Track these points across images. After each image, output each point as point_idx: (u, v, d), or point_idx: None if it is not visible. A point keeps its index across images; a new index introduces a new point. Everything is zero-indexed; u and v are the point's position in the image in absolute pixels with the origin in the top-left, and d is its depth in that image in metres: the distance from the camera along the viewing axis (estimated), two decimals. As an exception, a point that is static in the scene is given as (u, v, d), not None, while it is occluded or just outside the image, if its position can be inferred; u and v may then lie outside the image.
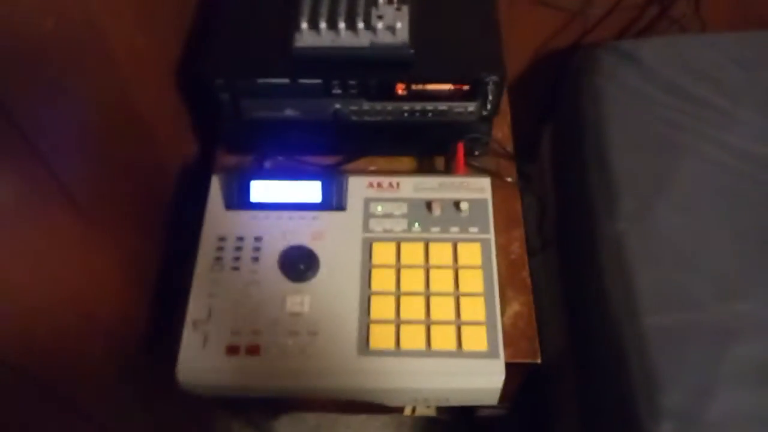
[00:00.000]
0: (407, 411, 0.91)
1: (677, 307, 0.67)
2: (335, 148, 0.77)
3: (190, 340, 0.62)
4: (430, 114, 0.71)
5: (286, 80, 0.68)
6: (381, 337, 0.61)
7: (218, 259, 0.66)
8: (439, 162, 0.78)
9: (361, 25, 0.66)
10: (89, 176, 0.60)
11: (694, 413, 0.61)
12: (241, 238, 0.66)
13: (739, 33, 0.84)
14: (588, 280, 0.75)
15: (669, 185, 0.73)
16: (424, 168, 0.77)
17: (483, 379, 0.61)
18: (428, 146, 0.77)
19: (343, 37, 0.67)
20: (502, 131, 0.80)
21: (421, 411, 0.93)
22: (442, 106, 0.70)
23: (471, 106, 0.70)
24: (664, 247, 0.70)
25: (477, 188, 0.69)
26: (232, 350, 0.61)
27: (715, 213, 0.72)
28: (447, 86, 0.68)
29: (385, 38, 0.67)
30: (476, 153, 0.76)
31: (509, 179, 0.77)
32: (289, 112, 0.71)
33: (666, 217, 0.72)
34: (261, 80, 0.68)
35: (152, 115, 0.72)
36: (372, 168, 0.77)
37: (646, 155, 0.77)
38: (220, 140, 0.78)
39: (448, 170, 0.76)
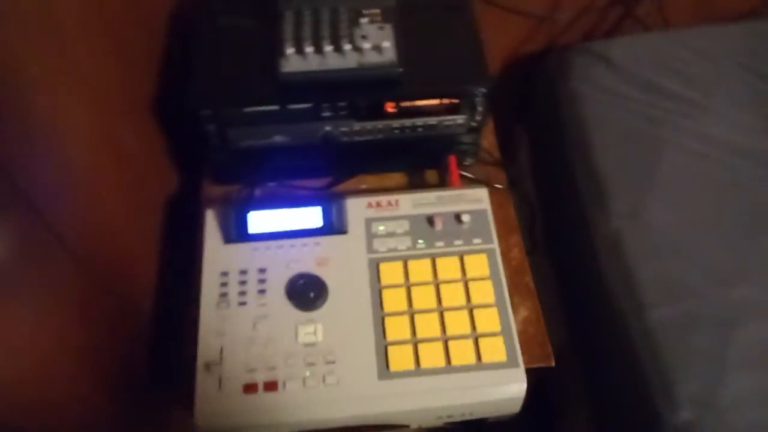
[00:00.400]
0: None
1: (680, 298, 0.68)
2: (326, 170, 0.77)
3: (204, 383, 0.60)
4: (420, 129, 0.71)
5: (274, 107, 0.67)
6: (400, 358, 0.61)
7: (223, 295, 0.64)
8: (430, 174, 0.78)
9: (347, 46, 0.66)
10: (83, 222, 0.58)
11: (709, 399, 0.63)
12: (244, 272, 0.65)
13: (703, 27, 0.88)
14: (587, 280, 0.76)
15: (656, 180, 0.75)
16: (415, 182, 0.77)
17: (506, 389, 0.61)
18: (419, 160, 0.77)
19: (330, 59, 0.66)
20: (487, 139, 0.81)
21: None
22: (432, 120, 0.71)
23: (460, 119, 0.71)
24: (659, 240, 0.72)
25: (475, 199, 0.69)
26: (250, 388, 0.59)
27: (703, 203, 0.74)
28: (436, 101, 0.69)
29: (372, 58, 0.66)
30: (466, 163, 0.77)
31: (500, 186, 0.78)
32: (278, 139, 0.70)
33: (657, 212, 0.73)
34: (249, 109, 0.67)
35: (137, 151, 0.70)
36: (363, 186, 0.76)
37: (629, 153, 0.79)
38: (207, 171, 0.77)
39: (442, 183, 0.76)
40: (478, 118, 0.71)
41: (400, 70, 0.66)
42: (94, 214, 0.60)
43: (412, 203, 0.69)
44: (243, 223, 0.67)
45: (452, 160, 0.74)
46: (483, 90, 0.68)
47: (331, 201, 0.68)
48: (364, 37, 0.67)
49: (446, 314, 0.63)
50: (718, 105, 0.81)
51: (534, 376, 0.63)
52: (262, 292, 0.64)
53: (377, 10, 0.69)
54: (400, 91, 0.67)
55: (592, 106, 0.84)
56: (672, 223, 0.72)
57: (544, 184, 0.94)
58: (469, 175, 0.77)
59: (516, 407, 0.63)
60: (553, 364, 0.67)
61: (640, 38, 0.89)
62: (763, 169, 0.75)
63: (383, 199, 0.69)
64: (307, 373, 0.60)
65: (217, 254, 0.66)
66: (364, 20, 0.68)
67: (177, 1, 0.80)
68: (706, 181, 0.75)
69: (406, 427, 0.65)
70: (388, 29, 0.68)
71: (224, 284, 0.64)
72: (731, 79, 0.83)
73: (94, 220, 0.59)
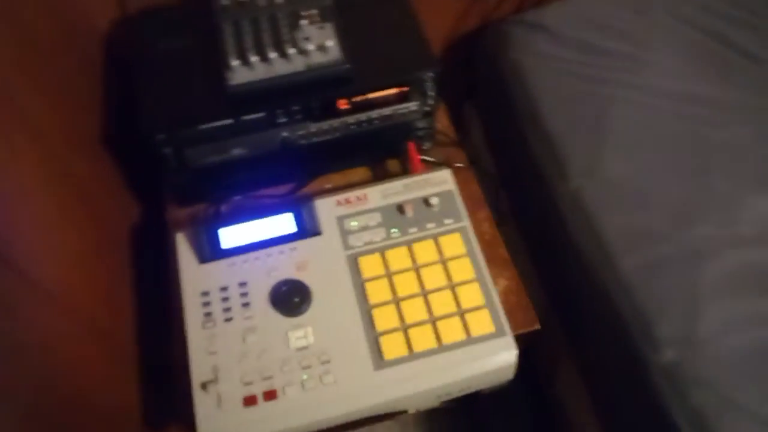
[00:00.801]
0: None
1: (645, 243, 0.71)
2: (289, 175, 0.77)
3: (203, 404, 0.60)
4: (375, 122, 0.72)
5: (228, 121, 0.66)
6: (393, 346, 0.62)
7: (207, 315, 0.64)
8: (392, 164, 0.79)
9: (291, 50, 0.66)
10: (59, 262, 0.57)
11: (688, 335, 0.66)
12: (225, 288, 0.65)
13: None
14: (557, 241, 0.79)
15: (607, 136, 0.78)
16: (378, 173, 0.78)
17: (498, 359, 0.63)
18: (380, 152, 0.78)
19: (276, 65, 0.66)
20: (441, 122, 0.82)
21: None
22: (386, 111, 0.71)
23: (413, 106, 0.72)
24: (618, 192, 0.75)
25: (440, 181, 0.71)
26: (250, 401, 0.60)
27: (654, 151, 0.77)
28: (388, 92, 0.70)
29: (318, 58, 0.67)
30: (425, 148, 0.78)
31: (461, 165, 0.80)
32: (236, 151, 0.70)
33: (613, 165, 0.76)
34: (203, 126, 0.66)
35: (96, 186, 0.70)
36: (329, 185, 0.77)
37: (578, 114, 0.81)
38: (168, 194, 0.76)
39: (405, 170, 0.77)
40: (429, 102, 0.73)
41: (348, 66, 0.67)
42: (63, 253, 0.59)
43: (381, 195, 0.70)
44: (215, 241, 0.67)
45: (411, 147, 0.75)
46: (431, 74, 0.69)
47: (300, 205, 0.68)
48: (306, 38, 0.67)
49: (430, 296, 0.64)
50: (656, 55, 0.84)
51: (522, 342, 0.65)
52: (246, 305, 0.64)
53: (315, 11, 0.70)
54: (350, 87, 0.68)
55: (535, 74, 0.86)
56: (628, 175, 0.75)
57: (502, 157, 0.96)
58: (430, 159, 0.78)
59: (509, 375, 0.65)
60: (539, 327, 0.70)
61: (570, 1, 0.91)
62: (706, 110, 0.79)
63: (351, 194, 0.70)
64: (305, 377, 0.61)
65: (194, 275, 0.66)
66: (303, 22, 0.69)
67: (112, 29, 0.79)
68: (654, 129, 0.78)
69: (405, 412, 0.67)
70: (329, 28, 0.69)
71: (207, 304, 0.64)
72: (664, 29, 0.86)
73: (64, 260, 0.59)
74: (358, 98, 0.69)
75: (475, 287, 0.65)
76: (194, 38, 0.71)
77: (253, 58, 0.66)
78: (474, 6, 0.98)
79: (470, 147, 1.04)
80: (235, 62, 0.66)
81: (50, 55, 0.64)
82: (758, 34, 0.86)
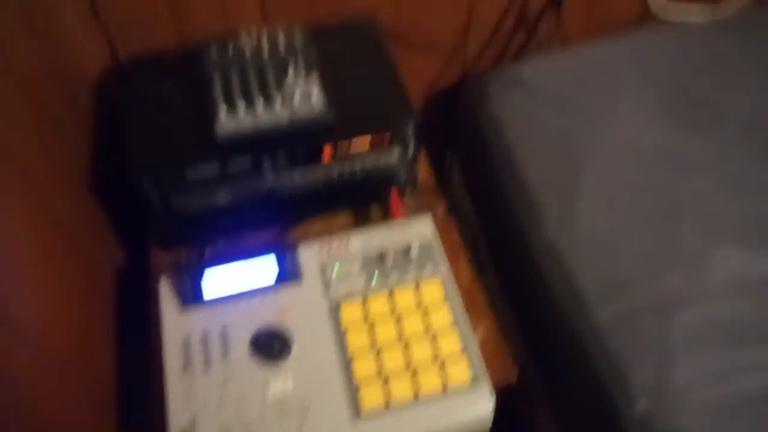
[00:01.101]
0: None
1: (619, 294, 0.73)
2: (273, 221, 0.78)
3: (180, 453, 0.59)
4: (358, 169, 0.74)
5: (215, 168, 0.68)
6: (371, 396, 0.62)
7: (187, 362, 0.63)
8: (375, 209, 0.81)
9: (278, 100, 0.68)
10: (39, 303, 0.57)
11: (662, 386, 0.67)
12: (205, 334, 0.65)
13: (598, 40, 0.95)
14: (534, 291, 0.80)
15: (580, 188, 0.81)
16: (361, 218, 0.80)
17: (475, 410, 0.63)
18: (362, 199, 0.79)
19: (263, 115, 0.68)
20: (423, 169, 0.85)
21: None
22: (369, 159, 0.73)
23: (395, 153, 0.74)
24: (591, 243, 0.77)
25: (421, 228, 0.72)
26: (227, 450, 0.59)
27: (624, 203, 0.80)
28: (369, 140, 0.72)
29: (303, 108, 0.69)
30: (407, 195, 0.80)
31: (442, 212, 0.81)
32: (222, 198, 0.71)
33: (586, 217, 0.79)
34: (190, 173, 0.67)
35: (80, 229, 0.70)
36: (312, 230, 0.78)
37: (553, 166, 0.84)
38: (153, 238, 0.76)
39: (387, 216, 0.79)
40: (410, 150, 0.75)
41: (331, 116, 0.69)
42: (44, 294, 0.59)
43: (362, 242, 0.71)
44: (198, 286, 0.67)
45: (393, 194, 0.77)
46: (411, 123, 0.72)
47: (283, 251, 0.69)
48: (291, 89, 0.69)
49: (409, 345, 0.65)
50: (623, 110, 0.88)
51: (499, 393, 0.66)
52: (226, 351, 0.64)
53: (301, 61, 0.72)
54: (333, 135, 0.70)
55: (512, 127, 0.89)
56: (601, 226, 0.78)
57: (480, 206, 0.99)
58: (411, 206, 0.80)
59: (486, 425, 0.66)
60: (516, 379, 0.70)
61: (546, 57, 0.95)
62: (670, 162, 0.82)
63: (334, 241, 0.71)
64: (283, 426, 0.60)
65: (175, 320, 0.66)
66: (289, 73, 0.71)
67: (103, 77, 0.80)
68: (625, 182, 0.81)
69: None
70: (314, 79, 0.71)
71: (187, 349, 0.64)
72: (631, 85, 0.90)
73: (44, 302, 0.58)
74: (341, 147, 0.71)
75: (454, 336, 0.66)
76: (184, 86, 0.72)
77: (241, 108, 0.68)
78: (455, 58, 1.01)
79: (452, 195, 1.07)
80: (223, 111, 0.67)
81: (42, 100, 0.65)
82: (721, 89, 0.90)
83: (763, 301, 0.72)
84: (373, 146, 0.72)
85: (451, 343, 0.65)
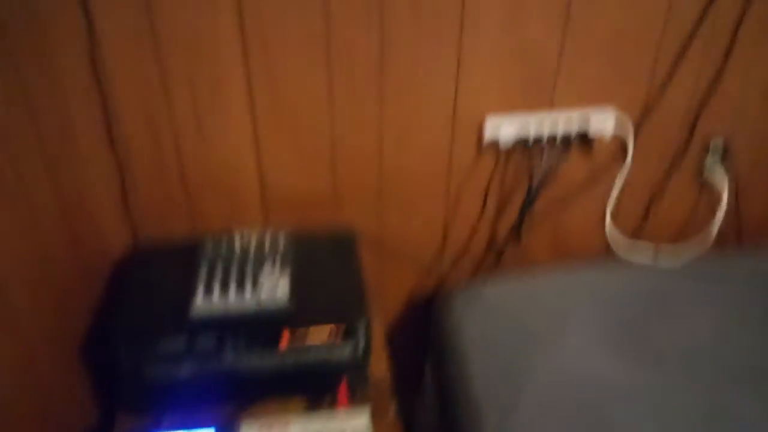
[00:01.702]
0: None
1: None
2: (232, 399, 0.85)
3: None
4: (313, 360, 0.82)
5: (183, 345, 0.78)
6: None
7: None
8: (329, 398, 0.86)
9: (249, 288, 0.80)
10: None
11: None
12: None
13: (559, 269, 1.06)
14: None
15: (520, 407, 0.86)
16: (315, 405, 0.86)
17: None
18: (315, 388, 0.86)
19: (233, 300, 0.80)
20: (380, 370, 0.92)
21: None
22: (323, 350, 0.82)
23: (347, 348, 0.83)
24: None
25: (358, 421, 0.78)
26: None
27: (559, 419, 0.84)
28: (326, 331, 0.81)
29: (269, 297, 0.80)
30: (357, 391, 0.87)
31: (389, 414, 0.87)
32: (185, 371, 0.80)
33: (521, 429, 0.83)
34: (161, 346, 0.77)
35: (58, 386, 0.78)
36: (267, 409, 0.84)
37: (500, 382, 0.90)
38: (120, 403, 0.84)
39: (333, 405, 0.85)
40: (361, 347, 0.83)
41: (293, 306, 0.80)
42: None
43: (302, 427, 0.77)
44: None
45: (342, 386, 0.84)
46: (362, 321, 0.81)
47: (224, 427, 0.76)
48: (264, 279, 0.82)
49: None
50: (570, 336, 0.95)
51: None
52: None
53: (279, 260, 0.85)
54: (292, 322, 0.80)
55: (468, 341, 0.97)
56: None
57: (442, 413, 1.03)
58: (360, 399, 0.86)
59: None
60: None
61: (509, 279, 1.06)
62: (606, 388, 0.87)
63: (275, 422, 0.77)
64: None
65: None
66: (266, 266, 0.84)
67: (121, 252, 0.95)
68: (560, 402, 0.86)
69: None
70: (286, 274, 0.83)
71: None
72: (582, 314, 0.99)
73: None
74: (299, 336, 0.80)
75: None
76: (177, 271, 0.86)
77: (216, 292, 0.80)
78: (432, 270, 1.14)
79: (424, 403, 1.12)
80: (200, 295, 0.80)
81: (60, 271, 0.77)
82: (665, 325, 0.97)
83: None
84: (329, 338, 0.82)
85: None
